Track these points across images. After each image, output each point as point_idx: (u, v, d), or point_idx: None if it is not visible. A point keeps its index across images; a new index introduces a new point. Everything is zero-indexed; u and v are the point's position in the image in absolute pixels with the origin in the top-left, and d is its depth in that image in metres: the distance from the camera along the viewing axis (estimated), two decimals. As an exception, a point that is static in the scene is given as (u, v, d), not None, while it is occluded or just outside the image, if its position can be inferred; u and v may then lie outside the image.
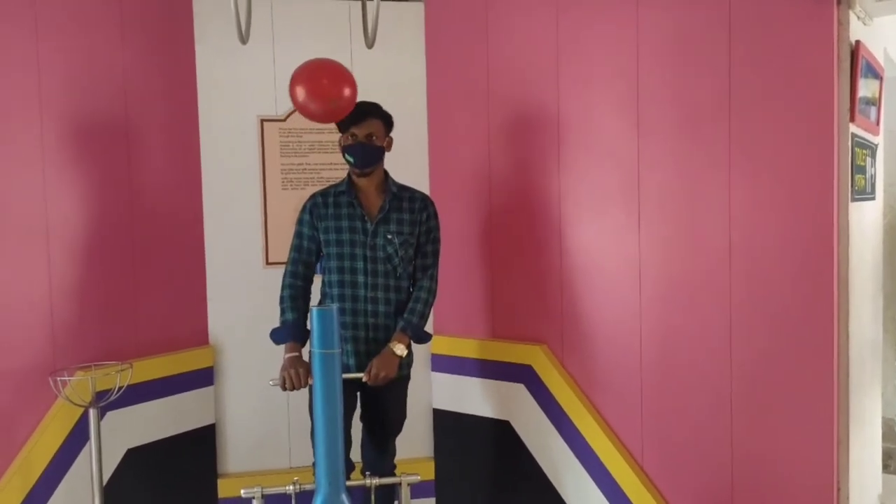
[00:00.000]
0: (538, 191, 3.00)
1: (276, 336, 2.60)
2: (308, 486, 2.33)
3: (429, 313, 2.66)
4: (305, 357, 2.49)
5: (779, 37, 2.40)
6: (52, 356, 2.71)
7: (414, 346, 2.68)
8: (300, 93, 2.34)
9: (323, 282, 2.68)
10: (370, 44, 2.16)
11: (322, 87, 2.35)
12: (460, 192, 3.22)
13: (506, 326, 3.13)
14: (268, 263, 3.21)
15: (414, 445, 3.24)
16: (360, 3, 2.28)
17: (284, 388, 2.48)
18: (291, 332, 2.57)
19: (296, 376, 2.46)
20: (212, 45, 3.13)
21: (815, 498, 2.41)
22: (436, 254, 2.71)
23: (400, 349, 2.55)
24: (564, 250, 2.94)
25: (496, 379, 3.12)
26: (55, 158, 2.72)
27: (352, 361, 2.60)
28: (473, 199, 3.19)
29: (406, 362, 2.65)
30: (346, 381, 2.33)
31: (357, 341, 2.61)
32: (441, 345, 3.28)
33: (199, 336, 3.17)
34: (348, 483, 2.27)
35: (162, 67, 3.04)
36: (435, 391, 3.32)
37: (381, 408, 2.68)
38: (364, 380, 2.50)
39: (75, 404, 2.57)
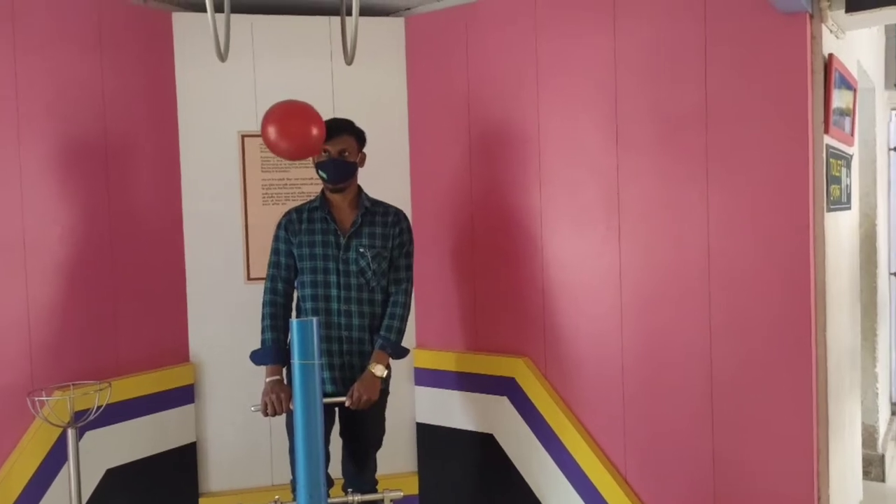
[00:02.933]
0: (519, 204, 3.01)
1: (256, 358, 2.60)
2: None
3: (405, 328, 2.66)
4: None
5: (754, 50, 2.44)
6: (29, 376, 2.67)
7: (393, 360, 2.67)
8: (271, 133, 2.39)
9: (297, 297, 2.68)
10: (349, 60, 2.17)
11: (291, 128, 2.40)
12: (442, 205, 3.23)
13: (488, 339, 3.13)
14: (249, 279, 3.19)
15: (397, 460, 3.22)
16: (339, 18, 2.29)
17: (266, 414, 2.49)
18: (271, 353, 2.57)
19: (277, 402, 2.47)
20: (192, 62, 3.12)
21: (796, 506, 2.42)
22: (409, 268, 2.72)
23: (380, 370, 2.55)
24: (546, 263, 2.95)
25: (479, 392, 3.12)
26: (33, 177, 2.70)
27: (326, 375, 2.60)
28: (455, 213, 3.20)
29: (385, 378, 2.64)
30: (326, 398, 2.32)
31: (331, 355, 2.60)
32: (424, 359, 3.28)
33: (179, 353, 3.14)
34: (330, 500, 2.25)
35: (142, 84, 3.03)
36: (418, 405, 3.31)
37: (361, 425, 2.67)
38: (347, 404, 2.50)
39: (53, 425, 2.53)
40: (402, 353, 2.66)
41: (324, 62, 3.20)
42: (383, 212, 2.68)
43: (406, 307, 2.67)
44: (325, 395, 2.43)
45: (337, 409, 2.65)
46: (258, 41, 3.18)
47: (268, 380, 2.53)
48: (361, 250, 2.61)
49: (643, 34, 2.66)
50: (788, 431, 2.42)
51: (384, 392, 2.69)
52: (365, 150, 2.68)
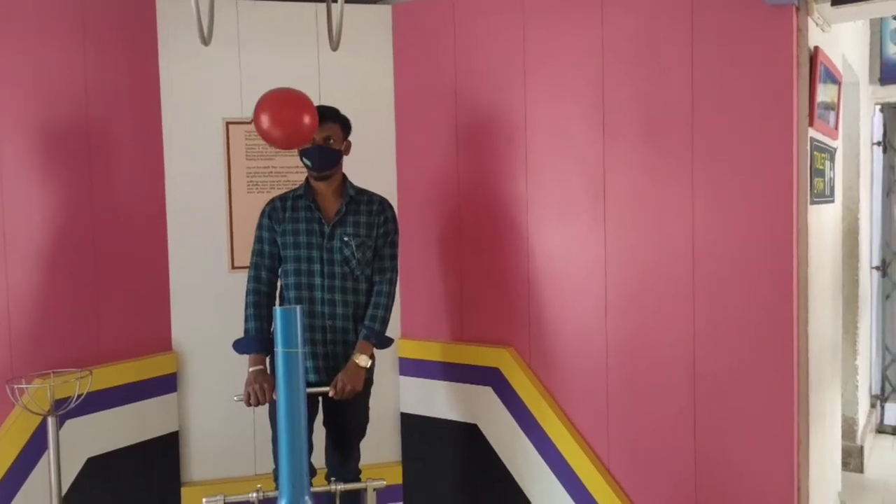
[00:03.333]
0: (505, 194, 3.01)
1: (239, 347, 2.59)
2: (272, 494, 2.31)
3: (389, 318, 2.66)
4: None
5: (740, 43, 2.44)
6: (9, 363, 2.64)
7: (377, 350, 2.67)
8: (264, 121, 2.34)
9: (280, 285, 2.67)
10: (335, 46, 2.16)
11: (283, 115, 2.35)
12: (428, 194, 3.22)
13: (473, 330, 3.13)
14: (233, 268, 3.17)
15: (381, 450, 3.22)
16: (325, 4, 2.27)
17: (249, 404, 2.48)
18: (254, 343, 2.55)
19: (260, 391, 2.46)
20: (175, 48, 3.09)
21: (776, 496, 2.45)
22: (393, 257, 2.71)
23: (364, 360, 2.55)
24: (531, 253, 2.95)
25: (463, 382, 3.12)
26: (14, 165, 2.66)
27: (309, 364, 2.59)
28: (441, 202, 3.19)
29: (369, 368, 2.64)
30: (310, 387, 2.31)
31: (315, 344, 2.59)
32: (408, 348, 3.27)
33: (161, 342, 3.12)
34: (313, 489, 2.25)
35: (124, 70, 2.99)
36: (402, 395, 3.31)
37: (344, 414, 2.66)
38: (331, 394, 2.50)
39: (33, 412, 2.50)
40: (386, 343, 2.65)
41: (310, 49, 3.17)
42: (368, 200, 2.67)
43: (390, 297, 2.66)
44: (309, 384, 2.41)
45: (321, 398, 2.64)
46: (243, 27, 3.14)
47: (251, 369, 2.52)
48: (346, 239, 2.59)
49: (630, 24, 2.65)
50: (770, 423, 2.44)
51: (368, 381, 2.68)
52: (350, 137, 2.66)
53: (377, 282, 2.66)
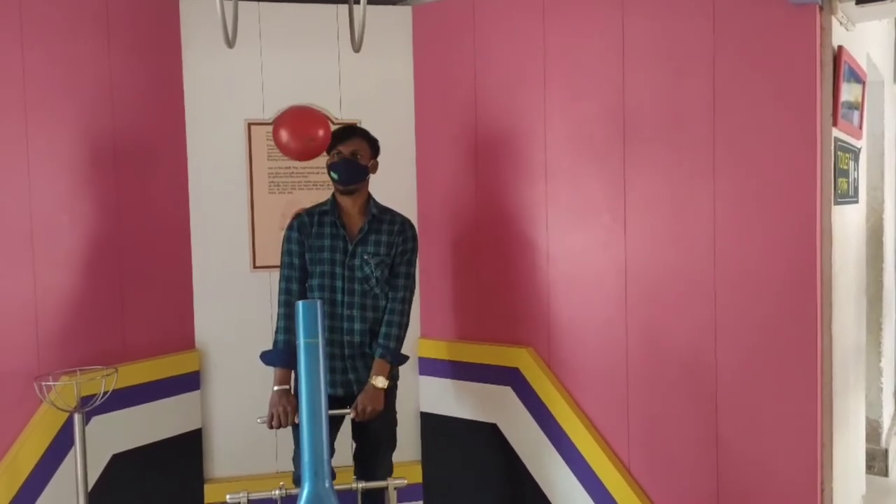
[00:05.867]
0: (525, 195, 3.01)
1: (266, 358, 2.63)
2: (294, 491, 2.32)
3: (404, 335, 2.67)
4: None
5: (763, 43, 2.42)
6: (36, 361, 2.68)
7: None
8: (282, 135, 2.55)
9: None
10: (357, 48, 2.16)
11: (299, 129, 2.56)
12: (448, 195, 3.23)
13: (492, 330, 3.13)
14: (255, 267, 3.19)
15: (401, 449, 3.21)
16: (347, 7, 2.28)
17: (271, 427, 2.52)
18: (283, 356, 2.59)
19: (283, 414, 2.51)
20: (199, 50, 3.12)
21: (799, 498, 2.43)
22: (408, 276, 2.70)
23: (381, 382, 2.57)
24: (551, 254, 2.95)
25: (483, 382, 3.12)
26: (41, 165, 2.70)
27: (328, 378, 2.61)
28: (461, 203, 3.20)
29: (392, 375, 2.66)
30: (332, 403, 2.33)
31: (334, 358, 2.63)
32: (428, 348, 3.28)
33: (185, 340, 3.16)
34: (335, 487, 2.26)
35: (149, 72, 3.03)
36: (422, 395, 3.32)
37: (371, 432, 2.68)
38: (352, 416, 2.54)
39: (60, 409, 2.55)
40: (401, 360, 2.68)
41: (331, 51, 3.20)
42: (390, 220, 2.70)
43: (403, 314, 2.67)
44: (329, 398, 2.44)
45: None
46: (265, 29, 3.17)
47: (275, 388, 2.56)
48: (366, 258, 2.62)
49: (651, 25, 2.64)
50: (793, 424, 2.42)
51: (392, 389, 2.70)
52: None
53: (390, 299, 2.67)
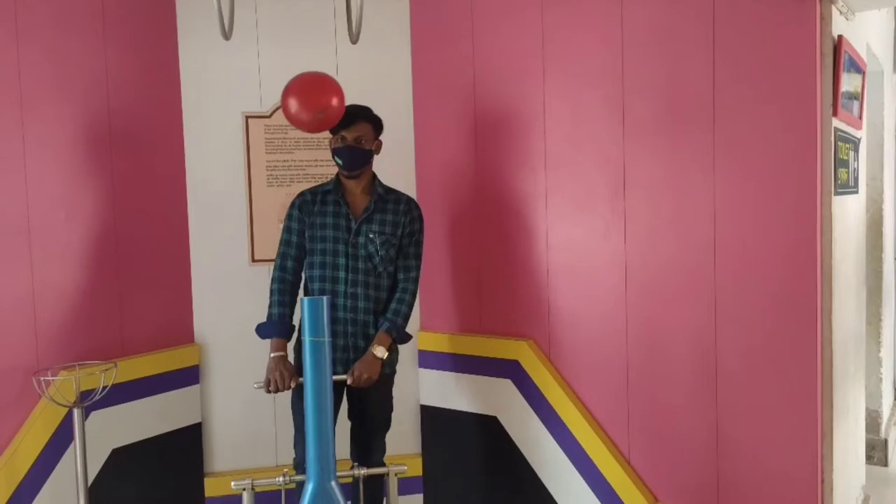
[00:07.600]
0: (524, 186, 3.00)
1: (261, 331, 2.64)
2: (297, 478, 2.35)
3: (410, 314, 2.69)
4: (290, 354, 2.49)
5: (762, 32, 2.41)
6: (35, 356, 2.68)
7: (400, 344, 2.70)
8: (291, 104, 2.43)
9: (304, 277, 2.70)
10: (354, 39, 2.16)
11: (311, 98, 2.44)
12: (447, 186, 3.22)
13: (492, 322, 3.13)
14: (254, 261, 3.19)
15: (401, 441, 3.23)
16: (344, -2, 2.27)
17: (269, 391, 2.52)
18: (277, 327, 2.61)
19: (280, 378, 2.51)
20: (196, 42, 3.11)
21: (799, 489, 2.43)
22: (418, 256, 2.75)
23: (381, 351, 2.58)
24: (551, 246, 2.94)
25: (483, 374, 3.12)
26: (38, 159, 2.69)
27: None
28: (460, 194, 3.19)
29: (390, 360, 2.67)
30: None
31: (336, 336, 2.62)
32: (428, 341, 3.28)
33: (184, 334, 3.15)
34: (337, 474, 2.28)
35: (145, 65, 3.01)
36: (422, 387, 3.32)
37: (367, 402, 2.70)
38: (348, 382, 2.54)
39: (59, 404, 2.54)
40: (405, 337, 2.70)
41: (328, 42, 3.18)
42: (395, 199, 2.71)
43: (414, 295, 2.71)
44: None
45: (345, 390, 2.68)
46: (262, 20, 3.15)
47: (272, 355, 2.56)
48: (371, 236, 2.63)
49: (651, 15, 2.63)
50: (793, 415, 2.42)
51: (390, 375, 2.72)
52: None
53: (402, 279, 2.70)
